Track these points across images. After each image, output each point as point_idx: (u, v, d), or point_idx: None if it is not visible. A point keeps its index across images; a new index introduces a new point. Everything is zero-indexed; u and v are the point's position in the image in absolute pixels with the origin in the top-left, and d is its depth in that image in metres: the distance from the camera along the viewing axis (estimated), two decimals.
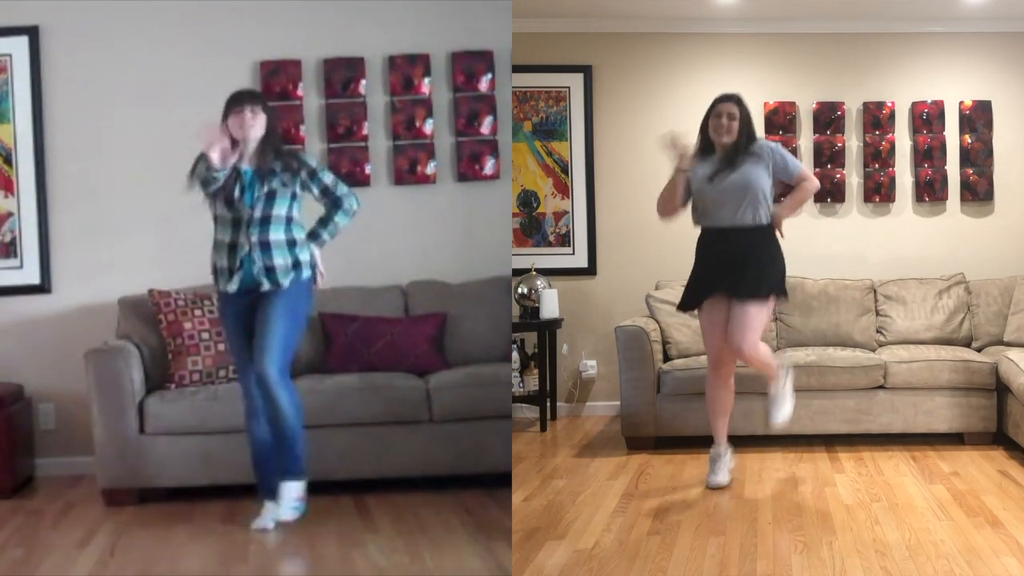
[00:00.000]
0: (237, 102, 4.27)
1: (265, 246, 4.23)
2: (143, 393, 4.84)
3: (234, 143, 4.26)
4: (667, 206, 4.83)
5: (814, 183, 4.82)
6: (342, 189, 4.39)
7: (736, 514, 4.32)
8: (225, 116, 4.27)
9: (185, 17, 5.54)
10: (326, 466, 4.70)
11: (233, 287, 4.26)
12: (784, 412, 4.87)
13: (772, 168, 4.70)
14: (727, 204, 4.66)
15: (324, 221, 4.39)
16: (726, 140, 4.67)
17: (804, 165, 4.89)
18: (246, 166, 4.27)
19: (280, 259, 4.25)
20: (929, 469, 5.07)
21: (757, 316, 4.65)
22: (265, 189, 4.24)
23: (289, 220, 4.29)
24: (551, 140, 6.80)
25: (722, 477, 4.82)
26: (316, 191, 4.35)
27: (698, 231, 4.86)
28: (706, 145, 4.76)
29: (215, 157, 4.15)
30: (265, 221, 4.23)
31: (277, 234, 4.25)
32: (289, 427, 4.27)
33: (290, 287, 4.27)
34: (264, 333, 4.23)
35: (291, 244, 4.28)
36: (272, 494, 4.32)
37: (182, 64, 5.55)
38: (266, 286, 4.24)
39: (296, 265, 4.28)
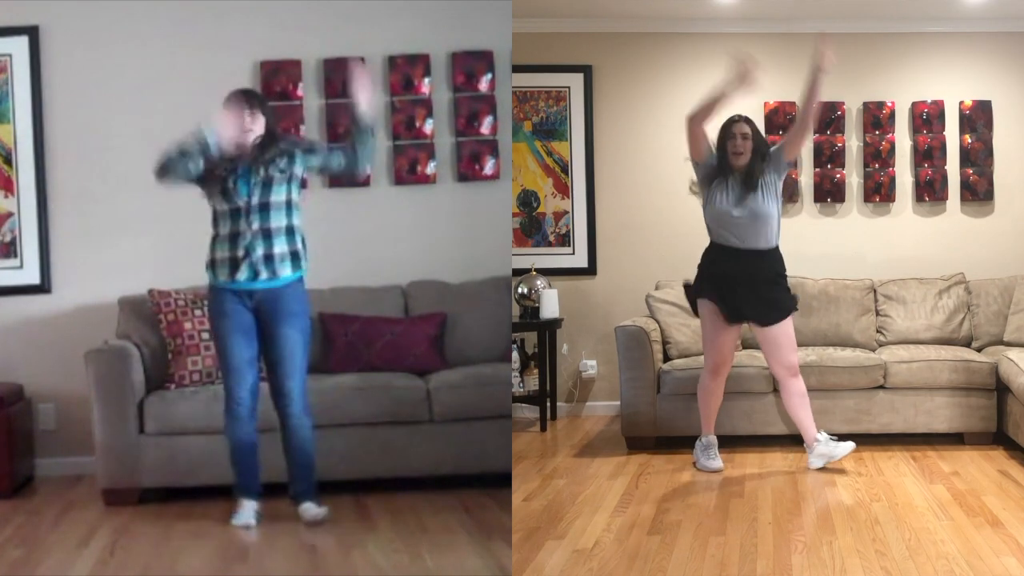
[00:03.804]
0: (235, 104, 4.25)
1: (267, 234, 4.21)
2: (143, 393, 4.84)
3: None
4: (699, 121, 4.92)
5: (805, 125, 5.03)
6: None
7: (736, 514, 4.32)
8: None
9: (185, 17, 5.54)
10: (326, 466, 4.69)
11: (242, 276, 4.21)
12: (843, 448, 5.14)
13: (778, 171, 5.00)
14: (745, 228, 4.96)
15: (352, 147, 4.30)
16: (741, 163, 4.95)
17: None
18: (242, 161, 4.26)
19: (279, 247, 4.23)
20: (929, 469, 5.07)
21: (790, 330, 5.09)
22: (261, 176, 4.21)
23: (289, 205, 4.25)
24: (551, 140, 6.80)
25: (719, 462, 5.14)
26: (319, 160, 4.31)
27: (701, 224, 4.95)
28: (721, 163, 5.00)
29: (226, 137, 4.15)
30: (264, 208, 4.20)
31: (278, 221, 4.23)
32: (309, 453, 4.35)
33: (292, 296, 4.27)
34: (287, 358, 4.26)
35: (290, 231, 4.26)
36: (251, 492, 4.35)
37: (182, 64, 5.55)
38: (264, 275, 4.21)
39: (295, 256, 4.26)
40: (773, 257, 5.05)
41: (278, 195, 4.23)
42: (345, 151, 4.33)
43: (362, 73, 4.27)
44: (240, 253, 4.21)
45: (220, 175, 4.22)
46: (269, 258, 4.22)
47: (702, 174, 5.04)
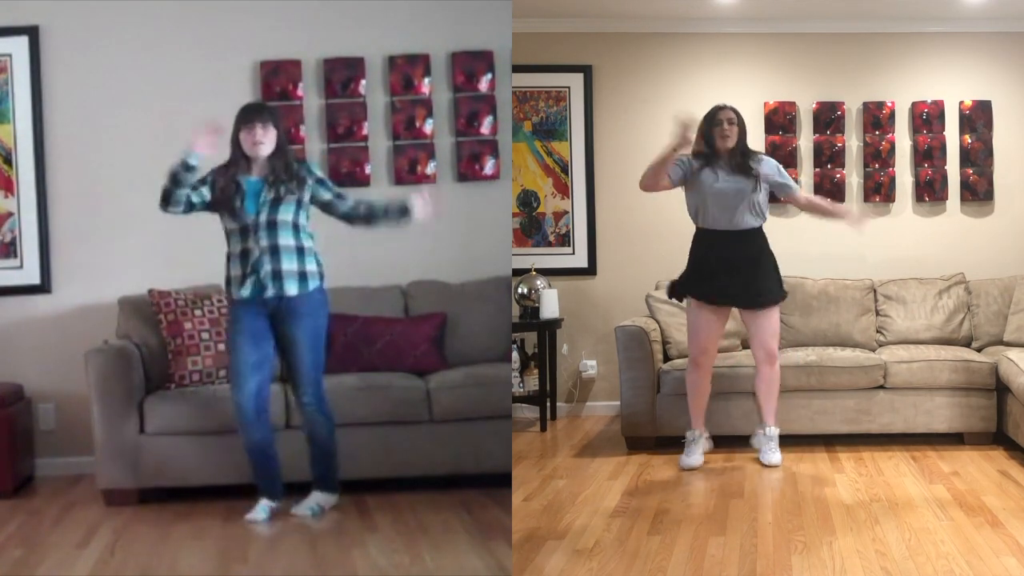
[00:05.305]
0: (248, 118, 4.29)
1: (274, 250, 4.27)
2: (143, 393, 4.85)
3: (244, 156, 4.30)
4: (651, 182, 5.11)
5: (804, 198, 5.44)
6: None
7: (736, 514, 4.32)
8: (236, 130, 4.30)
9: (185, 17, 5.54)
10: None
11: (246, 292, 4.28)
12: (775, 457, 5.22)
13: (769, 183, 5.13)
14: (727, 209, 5.03)
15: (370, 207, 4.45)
16: (728, 145, 5.04)
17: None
18: (253, 176, 4.30)
19: (288, 264, 4.29)
20: (929, 469, 5.07)
21: (777, 318, 5.19)
22: (271, 195, 4.27)
23: (296, 227, 4.32)
24: (551, 140, 6.80)
25: (696, 459, 5.20)
26: (329, 195, 4.39)
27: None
28: (706, 151, 5.07)
29: (204, 147, 4.20)
30: (272, 226, 4.26)
31: (286, 239, 4.29)
32: (330, 444, 4.46)
33: (305, 302, 4.34)
34: (299, 363, 4.37)
35: (300, 251, 4.32)
36: (272, 493, 4.38)
37: (182, 64, 5.54)
38: (271, 291, 4.27)
39: (303, 276, 4.32)
40: (756, 237, 5.10)
41: (285, 214, 4.29)
42: (360, 210, 4.43)
43: (433, 203, 4.42)
44: (248, 270, 4.28)
45: (229, 195, 4.26)
46: (277, 274, 4.28)
47: (680, 175, 5.10)
